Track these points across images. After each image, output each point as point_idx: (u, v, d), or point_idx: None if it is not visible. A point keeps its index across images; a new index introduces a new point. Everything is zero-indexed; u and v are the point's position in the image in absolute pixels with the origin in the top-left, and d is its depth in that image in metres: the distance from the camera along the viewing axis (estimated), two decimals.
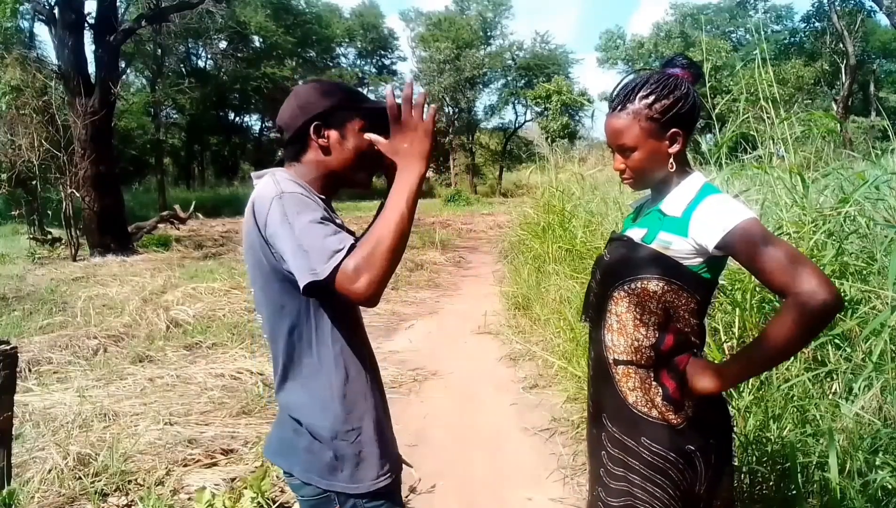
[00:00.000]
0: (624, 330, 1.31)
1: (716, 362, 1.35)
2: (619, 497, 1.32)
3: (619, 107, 1.30)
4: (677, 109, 1.27)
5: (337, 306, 1.23)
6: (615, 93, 1.33)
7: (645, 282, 1.28)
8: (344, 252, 1.10)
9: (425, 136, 1.18)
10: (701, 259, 1.25)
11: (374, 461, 1.26)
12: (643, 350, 1.29)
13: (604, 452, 1.36)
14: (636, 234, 1.35)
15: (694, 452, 1.27)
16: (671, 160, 1.30)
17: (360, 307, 1.32)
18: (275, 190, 1.17)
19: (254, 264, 1.25)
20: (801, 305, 1.11)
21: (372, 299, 1.09)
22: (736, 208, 1.21)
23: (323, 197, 1.28)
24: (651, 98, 1.27)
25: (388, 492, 1.29)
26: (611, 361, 1.33)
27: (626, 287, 1.30)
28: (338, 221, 1.24)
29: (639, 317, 1.29)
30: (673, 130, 1.28)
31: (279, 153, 1.40)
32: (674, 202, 1.30)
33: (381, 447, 1.28)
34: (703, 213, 1.23)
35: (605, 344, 1.35)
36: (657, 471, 1.27)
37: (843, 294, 2.56)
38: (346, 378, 1.25)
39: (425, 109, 1.19)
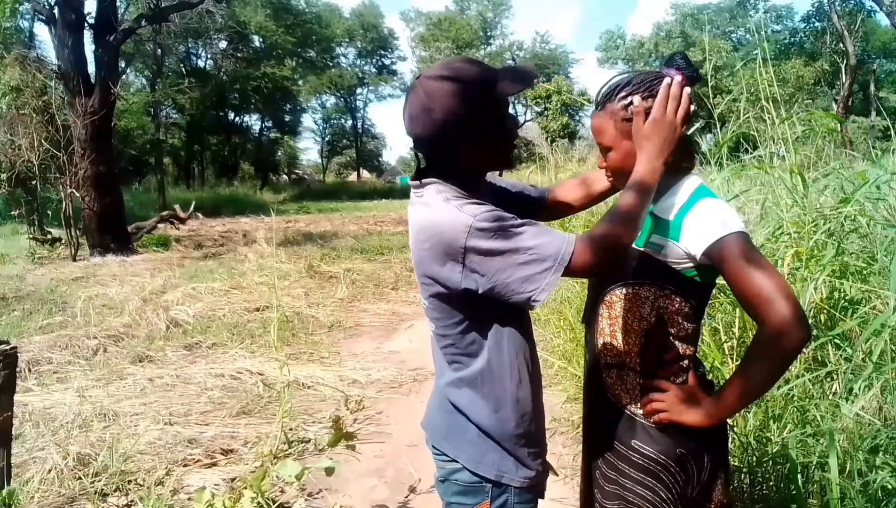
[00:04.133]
0: (615, 335, 1.29)
1: (703, 388, 1.30)
2: (613, 499, 1.32)
3: (600, 106, 1.28)
4: None
5: (512, 312, 1.25)
6: (599, 92, 1.30)
7: (636, 287, 1.25)
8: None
9: (668, 127, 1.17)
10: (692, 264, 1.21)
11: (534, 460, 1.31)
12: (633, 355, 1.27)
13: (599, 455, 1.37)
14: None
15: (685, 455, 1.25)
16: None
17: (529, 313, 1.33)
18: None
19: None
20: (775, 342, 1.08)
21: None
22: (725, 219, 1.16)
23: None
24: (629, 99, 1.22)
25: (538, 484, 1.33)
26: (602, 365, 1.33)
27: (617, 292, 1.28)
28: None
29: (630, 322, 1.27)
30: None
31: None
32: (666, 205, 1.26)
33: (542, 448, 1.34)
34: (694, 219, 1.19)
35: (597, 348, 1.34)
36: (648, 474, 1.26)
37: (843, 294, 2.57)
38: (520, 383, 1.27)
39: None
